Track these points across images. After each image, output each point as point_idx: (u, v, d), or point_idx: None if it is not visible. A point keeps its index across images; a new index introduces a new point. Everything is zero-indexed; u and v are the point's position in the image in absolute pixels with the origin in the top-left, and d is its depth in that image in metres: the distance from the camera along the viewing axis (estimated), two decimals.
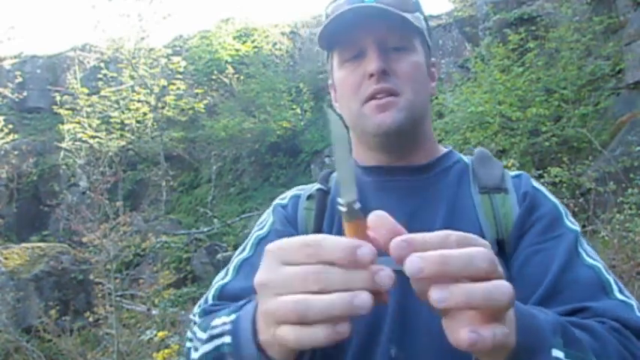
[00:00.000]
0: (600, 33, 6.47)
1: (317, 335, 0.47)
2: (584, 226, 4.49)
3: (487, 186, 0.86)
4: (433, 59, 0.97)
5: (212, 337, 0.69)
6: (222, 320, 0.69)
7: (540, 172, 5.04)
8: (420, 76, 0.89)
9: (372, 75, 0.85)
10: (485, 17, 8.03)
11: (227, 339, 0.66)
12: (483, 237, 0.78)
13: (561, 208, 0.84)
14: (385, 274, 0.46)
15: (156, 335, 5.00)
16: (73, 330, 6.00)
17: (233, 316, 0.67)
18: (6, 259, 7.42)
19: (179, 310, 6.18)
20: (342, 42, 0.88)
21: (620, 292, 0.73)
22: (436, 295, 0.45)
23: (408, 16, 0.86)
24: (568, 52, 6.36)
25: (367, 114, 0.87)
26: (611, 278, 0.75)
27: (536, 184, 0.87)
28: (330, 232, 0.88)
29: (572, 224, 0.82)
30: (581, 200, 4.56)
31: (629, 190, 4.37)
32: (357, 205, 0.49)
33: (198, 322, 0.79)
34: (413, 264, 0.45)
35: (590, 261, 0.76)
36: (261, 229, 0.94)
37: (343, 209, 0.49)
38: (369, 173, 0.92)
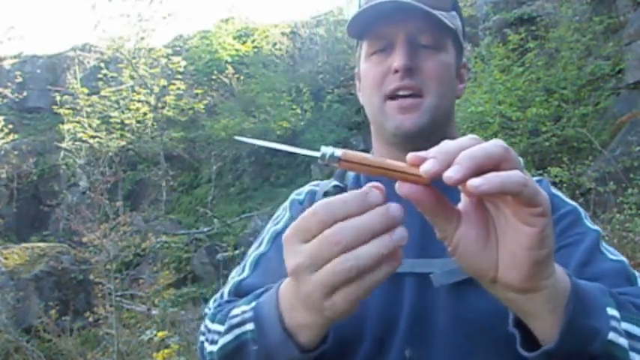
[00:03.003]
0: (600, 33, 6.47)
1: (380, 274, 0.47)
2: None
3: None
4: (464, 60, 0.94)
5: (232, 327, 0.68)
6: (241, 309, 0.68)
7: (540, 172, 5.03)
8: (448, 76, 0.87)
9: (396, 71, 0.83)
10: (485, 17, 8.02)
11: (249, 326, 0.65)
12: None
13: (580, 210, 0.84)
14: (395, 206, 0.48)
15: (156, 335, 5.00)
16: (73, 330, 6.01)
17: (253, 304, 0.66)
18: (6, 259, 7.42)
19: (179, 310, 6.17)
20: (372, 33, 0.87)
21: None
22: (474, 182, 0.45)
23: (443, 14, 0.84)
24: (568, 52, 6.35)
25: (388, 112, 0.85)
26: (636, 273, 0.75)
27: (554, 189, 0.88)
28: None
29: (592, 225, 0.81)
30: (581, 200, 4.56)
31: (629, 190, 4.37)
32: (331, 151, 0.49)
33: (213, 315, 0.78)
34: (455, 172, 0.45)
35: (614, 257, 0.77)
36: (277, 224, 0.93)
37: (333, 162, 0.49)
38: None
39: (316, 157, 0.50)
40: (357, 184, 0.93)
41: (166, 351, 4.52)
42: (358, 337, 0.79)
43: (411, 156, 0.48)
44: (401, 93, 0.84)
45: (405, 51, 0.83)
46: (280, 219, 0.94)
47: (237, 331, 0.67)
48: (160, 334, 5.01)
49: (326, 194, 0.91)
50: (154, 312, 6.36)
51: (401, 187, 0.48)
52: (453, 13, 0.89)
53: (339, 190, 0.91)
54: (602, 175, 4.75)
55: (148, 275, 7.95)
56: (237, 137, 0.54)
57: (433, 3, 0.83)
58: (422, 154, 0.48)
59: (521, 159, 0.50)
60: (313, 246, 0.48)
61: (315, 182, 0.97)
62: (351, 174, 0.95)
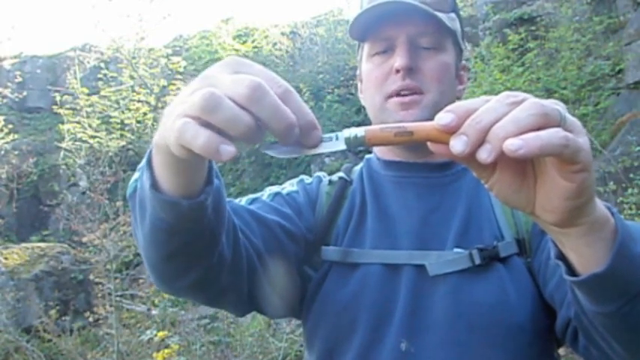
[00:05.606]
0: (600, 33, 6.46)
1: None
2: None
3: None
4: (464, 62, 0.96)
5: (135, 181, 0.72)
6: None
7: None
8: (448, 77, 0.89)
9: (398, 71, 0.85)
10: (485, 17, 8.02)
11: (137, 174, 0.69)
12: (502, 236, 0.82)
13: None
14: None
15: (156, 335, 4.99)
16: (73, 330, 6.00)
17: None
18: (6, 259, 7.42)
19: (179, 310, 6.17)
20: (374, 35, 0.88)
21: None
22: (512, 146, 0.43)
23: (443, 16, 0.85)
24: (568, 52, 6.35)
25: (390, 109, 0.87)
26: None
27: None
28: (347, 225, 0.89)
29: None
30: None
31: (629, 190, 4.37)
32: (353, 134, 0.52)
33: None
34: (514, 144, 0.43)
35: None
36: (282, 189, 0.94)
37: (359, 144, 0.51)
38: (389, 167, 0.93)
39: (343, 149, 0.52)
40: (361, 180, 0.95)
41: (166, 351, 4.51)
42: (352, 327, 0.79)
43: (440, 125, 0.47)
44: (402, 93, 0.85)
45: (406, 52, 0.84)
46: (285, 187, 0.95)
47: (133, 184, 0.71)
48: (160, 334, 5.00)
49: (330, 182, 0.94)
50: (154, 312, 6.35)
51: (435, 149, 0.50)
52: (452, 15, 0.89)
53: (343, 182, 0.94)
54: (602, 175, 4.74)
55: (148, 275, 7.93)
56: (263, 149, 0.55)
57: (433, 4, 0.84)
58: (451, 122, 0.47)
59: (562, 105, 0.48)
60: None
61: (323, 173, 0.99)
62: (357, 169, 0.98)
